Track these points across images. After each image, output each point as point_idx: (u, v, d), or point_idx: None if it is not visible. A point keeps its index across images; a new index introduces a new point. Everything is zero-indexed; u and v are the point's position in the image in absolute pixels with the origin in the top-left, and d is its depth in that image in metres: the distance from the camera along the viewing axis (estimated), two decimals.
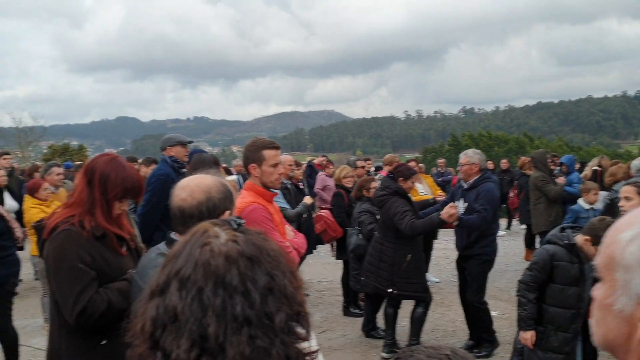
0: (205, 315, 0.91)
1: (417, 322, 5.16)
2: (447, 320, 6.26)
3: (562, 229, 3.82)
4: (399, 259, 5.00)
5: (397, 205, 5.00)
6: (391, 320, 5.28)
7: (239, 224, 1.06)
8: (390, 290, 5.03)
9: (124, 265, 2.35)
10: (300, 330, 1.00)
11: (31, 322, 6.39)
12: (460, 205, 5.18)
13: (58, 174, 6.57)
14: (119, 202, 2.34)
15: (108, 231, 2.30)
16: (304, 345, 1.00)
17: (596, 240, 3.47)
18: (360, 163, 8.38)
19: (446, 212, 4.77)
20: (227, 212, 1.98)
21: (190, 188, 1.94)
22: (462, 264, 5.35)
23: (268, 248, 1.01)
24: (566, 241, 3.68)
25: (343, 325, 6.21)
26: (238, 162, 13.03)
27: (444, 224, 4.92)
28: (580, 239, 3.65)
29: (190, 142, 5.29)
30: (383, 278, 5.07)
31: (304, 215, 6.03)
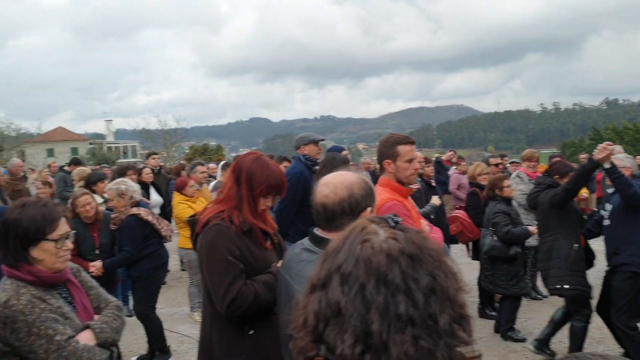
0: (368, 312, 0.89)
1: (576, 337, 4.78)
2: (593, 326, 5.77)
3: None
4: (566, 251, 4.69)
5: (550, 192, 4.77)
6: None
7: (397, 222, 1.04)
8: (559, 286, 4.70)
9: (268, 258, 2.44)
10: (462, 333, 0.96)
11: (178, 310, 6.84)
12: (606, 209, 4.77)
13: (202, 172, 7.03)
14: (263, 198, 2.43)
15: (254, 226, 2.40)
16: (466, 349, 0.96)
17: None
18: (493, 160, 7.74)
19: (601, 145, 4.35)
20: (369, 209, 1.96)
21: (333, 184, 1.94)
22: (607, 278, 4.73)
23: (429, 247, 0.97)
24: None
25: (479, 327, 5.98)
26: (365, 159, 13.10)
27: (596, 167, 4.51)
28: None
29: (322, 140, 5.43)
30: (551, 276, 4.74)
31: (432, 216, 5.72)
